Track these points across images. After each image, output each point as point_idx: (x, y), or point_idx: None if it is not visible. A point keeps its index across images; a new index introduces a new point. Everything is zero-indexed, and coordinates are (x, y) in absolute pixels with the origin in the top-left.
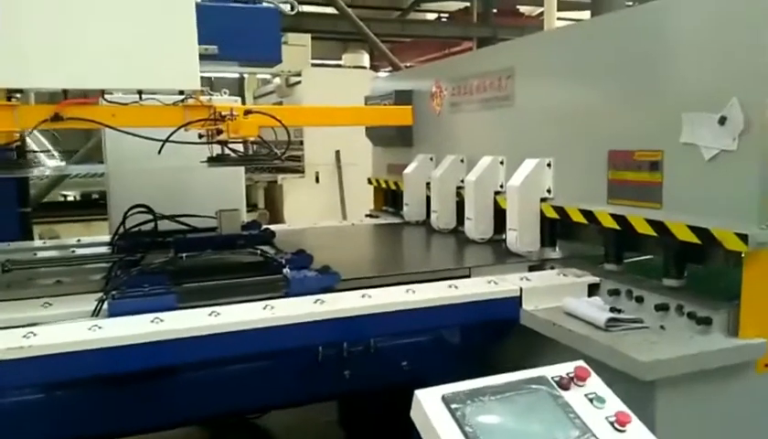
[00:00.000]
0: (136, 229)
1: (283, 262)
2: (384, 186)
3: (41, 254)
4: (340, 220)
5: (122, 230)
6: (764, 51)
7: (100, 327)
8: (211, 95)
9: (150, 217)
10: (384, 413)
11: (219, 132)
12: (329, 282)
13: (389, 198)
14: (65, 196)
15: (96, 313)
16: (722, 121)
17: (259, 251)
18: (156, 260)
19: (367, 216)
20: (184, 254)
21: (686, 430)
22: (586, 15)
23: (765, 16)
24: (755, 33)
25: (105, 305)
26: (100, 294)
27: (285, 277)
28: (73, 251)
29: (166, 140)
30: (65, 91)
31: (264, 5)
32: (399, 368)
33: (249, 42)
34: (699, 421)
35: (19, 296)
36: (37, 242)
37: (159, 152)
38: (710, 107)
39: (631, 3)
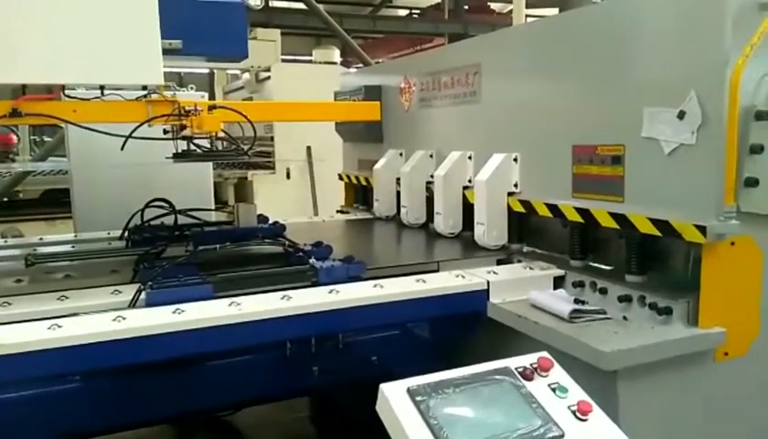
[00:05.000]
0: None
1: (309, 252)
2: (355, 181)
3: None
4: (311, 216)
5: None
6: (721, 45)
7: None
8: (176, 91)
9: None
10: (355, 409)
11: (184, 127)
12: (356, 271)
13: (360, 193)
14: None
15: (133, 303)
16: (681, 115)
17: (287, 242)
18: (177, 253)
19: (338, 212)
20: (202, 247)
21: (647, 418)
22: (555, 12)
23: (721, 10)
24: (712, 27)
25: (143, 295)
26: (128, 286)
27: (313, 267)
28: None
29: (129, 136)
30: (23, 87)
31: None
32: (368, 362)
33: (214, 37)
34: (661, 409)
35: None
36: None
37: (122, 148)
38: (670, 102)
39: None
